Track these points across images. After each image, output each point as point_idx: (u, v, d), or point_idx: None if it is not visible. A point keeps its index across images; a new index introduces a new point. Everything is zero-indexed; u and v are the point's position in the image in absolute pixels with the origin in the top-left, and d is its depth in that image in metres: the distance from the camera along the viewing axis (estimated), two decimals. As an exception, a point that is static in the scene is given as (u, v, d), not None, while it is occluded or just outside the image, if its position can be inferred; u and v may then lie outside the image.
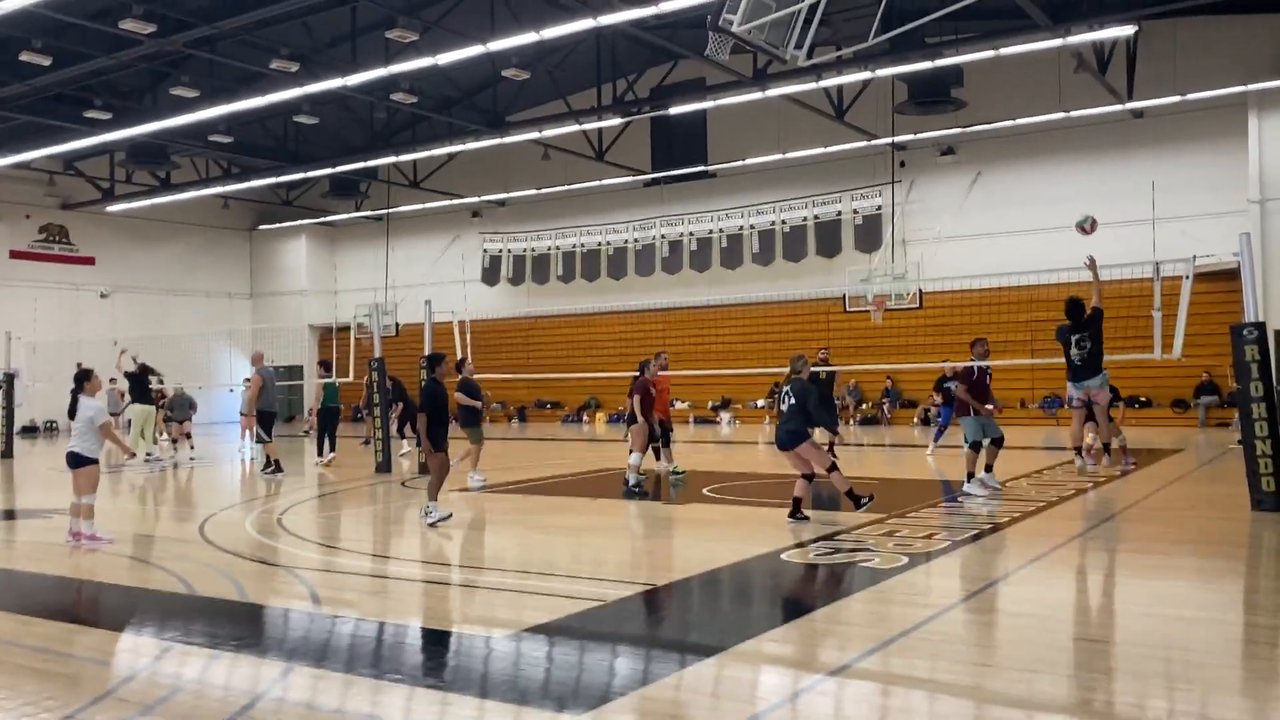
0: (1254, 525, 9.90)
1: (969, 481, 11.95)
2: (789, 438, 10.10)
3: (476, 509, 12.16)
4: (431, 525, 10.43)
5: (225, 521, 11.39)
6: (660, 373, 14.42)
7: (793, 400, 10.06)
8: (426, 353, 16.13)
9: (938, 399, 18.43)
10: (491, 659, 5.83)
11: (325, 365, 19.61)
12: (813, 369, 13.79)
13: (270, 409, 17.10)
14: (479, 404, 14.69)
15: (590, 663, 5.74)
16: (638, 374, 13.80)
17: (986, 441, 12.07)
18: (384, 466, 16.39)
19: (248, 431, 19.50)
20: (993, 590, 7.31)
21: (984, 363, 12.42)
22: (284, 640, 6.41)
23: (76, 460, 9.66)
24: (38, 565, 9.00)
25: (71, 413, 9.74)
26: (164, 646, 6.13)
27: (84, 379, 10.01)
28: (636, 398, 13.30)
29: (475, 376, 14.86)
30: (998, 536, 9.40)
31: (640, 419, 13.15)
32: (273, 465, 16.27)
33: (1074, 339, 12.72)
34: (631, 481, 12.79)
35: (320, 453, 18.44)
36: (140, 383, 18.39)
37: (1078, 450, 13.81)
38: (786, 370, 10.50)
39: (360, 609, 7.12)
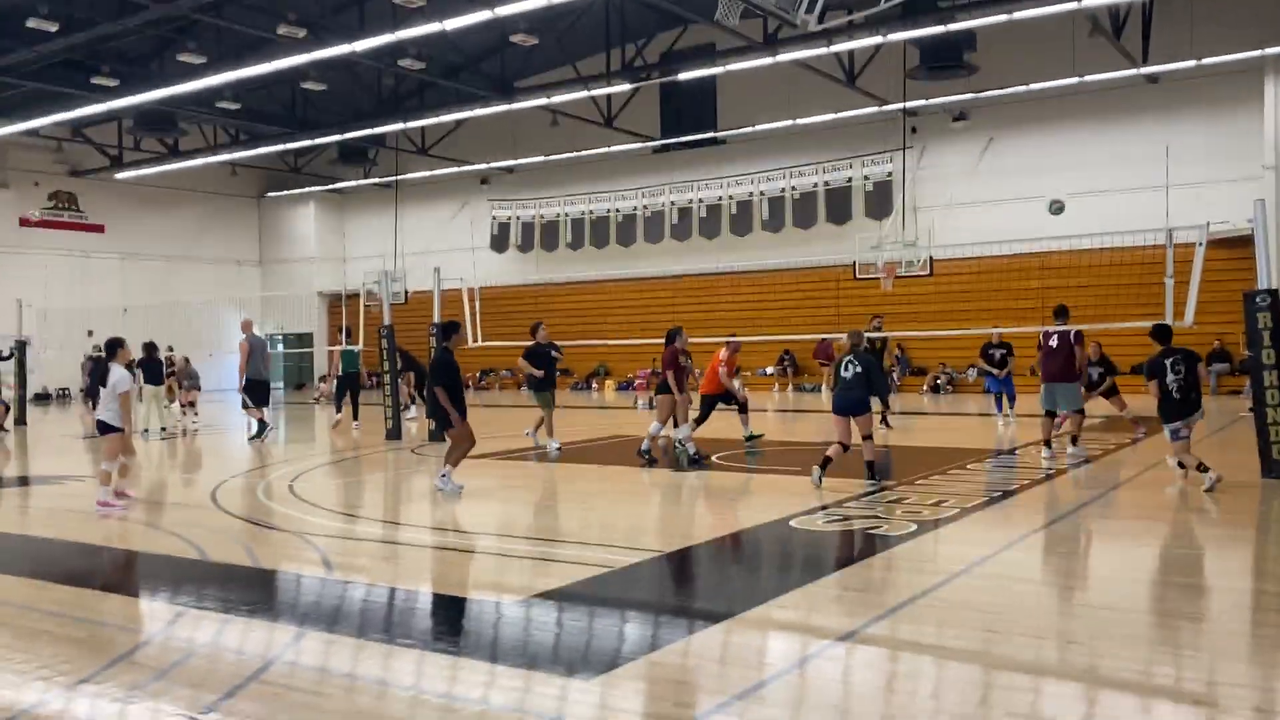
0: (1264, 492, 9.89)
1: (1047, 448, 12.39)
2: (853, 404, 10.33)
3: (487, 477, 12.20)
4: (441, 490, 10.37)
5: (236, 488, 11.47)
6: (728, 347, 14.45)
7: (858, 369, 10.26)
8: (437, 320, 16.20)
9: (985, 366, 18.43)
10: (502, 624, 5.87)
11: (347, 332, 19.64)
12: (868, 335, 13.84)
13: (259, 377, 17.05)
14: (539, 373, 14.31)
15: (600, 628, 5.78)
16: (667, 343, 13.14)
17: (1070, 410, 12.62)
18: (394, 433, 16.46)
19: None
20: (1001, 557, 7.32)
21: (1075, 328, 12.45)
22: (296, 605, 6.47)
23: (102, 428, 9.95)
24: (53, 531, 9.08)
25: (104, 380, 10.02)
26: (178, 611, 6.20)
27: (116, 346, 10.16)
28: (670, 371, 12.93)
29: (487, 344, 14.76)
30: (1007, 504, 9.41)
31: (675, 390, 12.75)
32: (259, 429, 16.45)
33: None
34: (644, 447, 12.75)
35: (339, 411, 18.75)
36: (150, 364, 18.27)
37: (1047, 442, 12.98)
38: (843, 340, 10.83)
39: (372, 574, 7.17)
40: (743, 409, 14.65)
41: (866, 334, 11.96)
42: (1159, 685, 4.72)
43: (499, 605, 6.22)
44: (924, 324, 25.21)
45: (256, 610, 6.16)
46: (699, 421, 13.87)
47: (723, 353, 14.35)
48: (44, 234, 33.05)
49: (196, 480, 13.31)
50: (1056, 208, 14.15)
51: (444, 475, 10.46)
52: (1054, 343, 12.32)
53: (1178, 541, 7.92)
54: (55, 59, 23.17)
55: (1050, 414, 12.56)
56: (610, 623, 5.92)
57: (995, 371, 17.93)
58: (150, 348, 17.95)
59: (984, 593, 6.39)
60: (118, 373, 9.88)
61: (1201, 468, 9.73)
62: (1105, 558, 7.69)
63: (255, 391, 16.86)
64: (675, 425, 12.63)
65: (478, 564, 7.68)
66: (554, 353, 14.96)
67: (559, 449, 13.93)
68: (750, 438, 14.58)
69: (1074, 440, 12.72)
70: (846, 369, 10.31)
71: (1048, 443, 12.45)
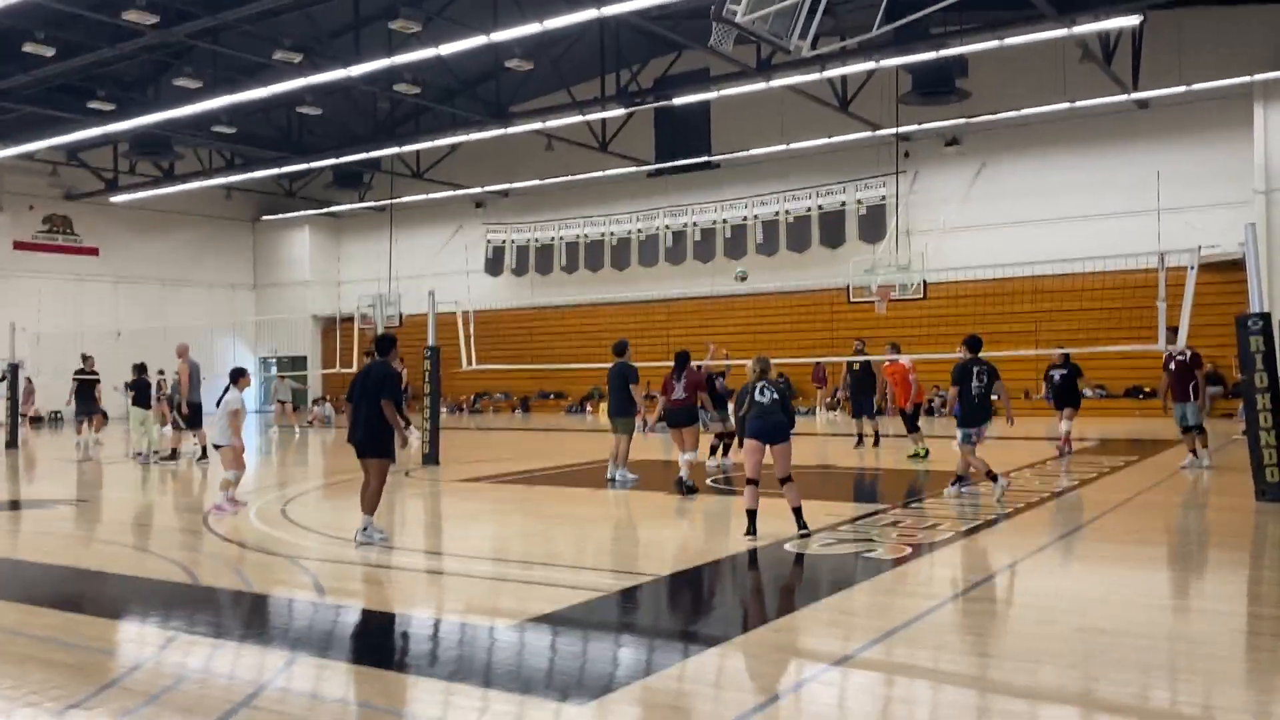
0: (1258, 516, 9.89)
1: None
2: (777, 428, 8.92)
3: (481, 500, 12.16)
4: (369, 543, 8.87)
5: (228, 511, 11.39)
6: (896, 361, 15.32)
7: (775, 395, 9.04)
8: (431, 343, 16.20)
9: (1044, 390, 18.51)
10: (495, 649, 5.83)
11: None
12: (848, 360, 13.89)
13: (197, 400, 17.34)
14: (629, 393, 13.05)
15: (594, 652, 5.75)
16: (677, 366, 12.73)
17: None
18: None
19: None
20: (996, 581, 7.31)
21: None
22: (288, 630, 6.42)
23: (217, 446, 11.50)
24: (43, 555, 9.02)
25: (218, 402, 11.62)
26: (169, 636, 6.15)
27: (239, 375, 11.56)
28: (703, 395, 12.53)
29: (481, 367, 14.64)
30: (1001, 527, 9.39)
31: (710, 407, 12.37)
32: (202, 452, 16.73)
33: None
34: (685, 475, 12.04)
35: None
36: (139, 386, 18.33)
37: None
38: (753, 367, 9.29)
39: (364, 599, 7.13)
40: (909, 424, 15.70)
41: (852, 359, 12.16)
42: (1155, 709, 4.71)
43: (492, 629, 6.19)
44: (918, 347, 25.24)
45: (248, 635, 6.12)
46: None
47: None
48: (38, 257, 33.05)
49: (188, 504, 13.23)
50: (741, 276, 14.88)
51: (366, 529, 8.97)
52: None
53: (1172, 565, 7.90)
54: (51, 83, 23.25)
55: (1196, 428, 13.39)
56: (604, 647, 5.88)
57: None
58: (140, 369, 17.95)
59: (979, 617, 6.37)
60: (230, 395, 11.31)
61: (991, 475, 10.52)
62: (1099, 581, 7.67)
63: (193, 414, 17.19)
64: (686, 449, 12.40)
65: (471, 588, 7.64)
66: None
67: (633, 480, 12.98)
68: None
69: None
70: (762, 394, 8.98)
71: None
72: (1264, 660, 5.47)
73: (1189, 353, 12.97)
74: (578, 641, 5.94)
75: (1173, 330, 12.84)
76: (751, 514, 8.73)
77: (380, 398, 8.83)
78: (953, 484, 11.38)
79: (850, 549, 8.36)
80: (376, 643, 6.08)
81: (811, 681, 5.09)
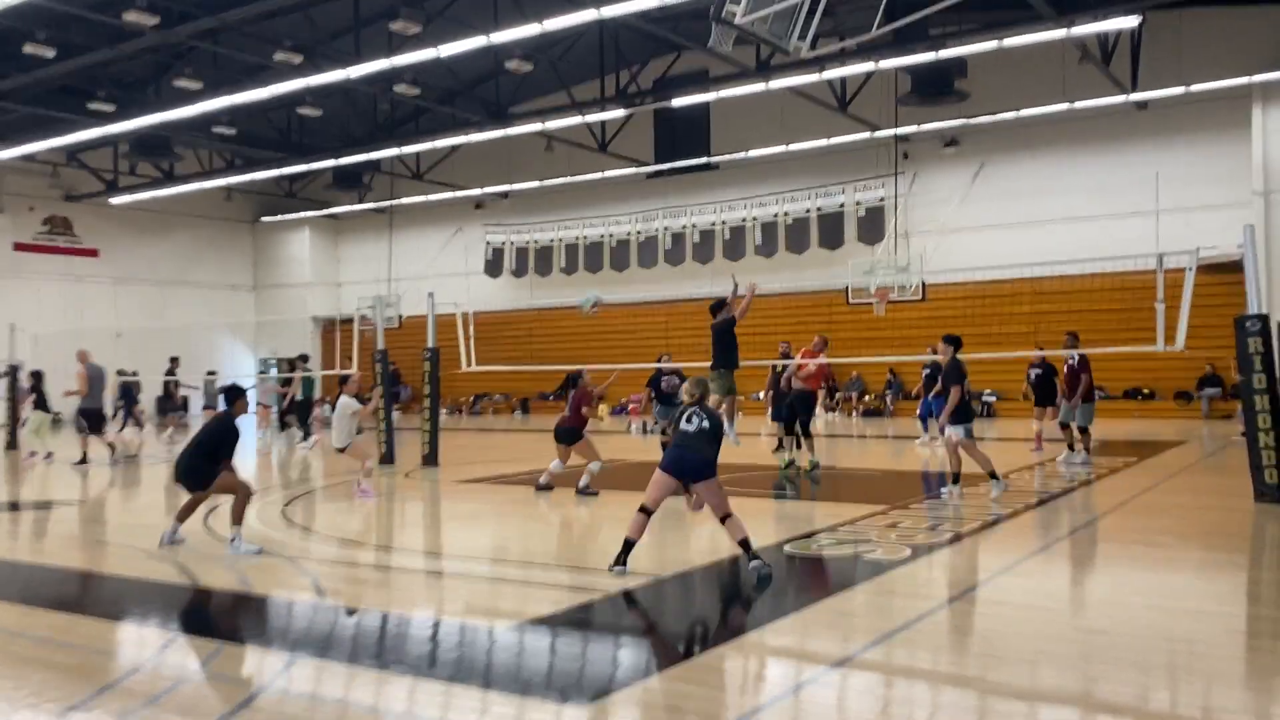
0: (1257, 517, 9.90)
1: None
2: (699, 465, 7.67)
3: (480, 501, 12.16)
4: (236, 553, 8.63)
5: (229, 512, 11.39)
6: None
7: (704, 423, 7.81)
8: (431, 344, 16.23)
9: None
10: (495, 650, 5.84)
11: (304, 359, 21.94)
12: (773, 363, 13.86)
13: (96, 405, 17.48)
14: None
15: (593, 654, 5.75)
16: (565, 385, 13.00)
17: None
18: (388, 457, 16.43)
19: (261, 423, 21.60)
20: (995, 582, 7.31)
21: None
22: (287, 631, 6.43)
23: (340, 449, 12.49)
24: (42, 556, 9.03)
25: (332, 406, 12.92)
26: (168, 638, 6.16)
27: (346, 380, 12.89)
28: (587, 409, 12.62)
29: (481, 368, 14.60)
30: (1001, 528, 9.40)
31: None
32: (82, 457, 16.86)
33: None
34: None
35: (306, 439, 19.97)
36: (38, 390, 18.71)
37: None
38: (685, 387, 8.32)
39: (364, 600, 7.14)
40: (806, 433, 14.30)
41: (773, 361, 12.32)
42: (1154, 711, 4.71)
43: (491, 631, 6.19)
44: (917, 349, 25.25)
45: (247, 636, 6.12)
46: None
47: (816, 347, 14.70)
48: (38, 258, 33.02)
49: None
50: (591, 305, 14.80)
51: (235, 540, 8.71)
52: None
53: (1171, 566, 7.91)
54: (52, 84, 23.25)
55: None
56: (604, 648, 5.89)
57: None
58: (36, 376, 18.61)
59: (979, 618, 6.38)
60: (344, 400, 12.43)
61: (992, 474, 11.17)
62: (1099, 581, 7.68)
63: (92, 419, 17.32)
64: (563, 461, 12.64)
65: (469, 589, 7.65)
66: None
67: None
68: (813, 465, 14.11)
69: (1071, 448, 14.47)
70: (690, 420, 7.81)
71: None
72: (1263, 661, 5.48)
73: (1077, 357, 14.15)
74: (577, 643, 5.94)
75: (1072, 335, 14.53)
76: (629, 544, 7.56)
77: (215, 457, 8.85)
78: (951, 483, 11.40)
79: (849, 550, 8.37)
80: (376, 644, 6.08)
81: (811, 683, 5.10)
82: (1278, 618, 6.42)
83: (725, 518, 7.60)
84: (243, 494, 8.92)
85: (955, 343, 11.64)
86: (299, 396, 21.05)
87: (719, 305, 12.96)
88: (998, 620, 6.30)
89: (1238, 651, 5.66)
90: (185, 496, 9.10)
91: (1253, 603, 6.90)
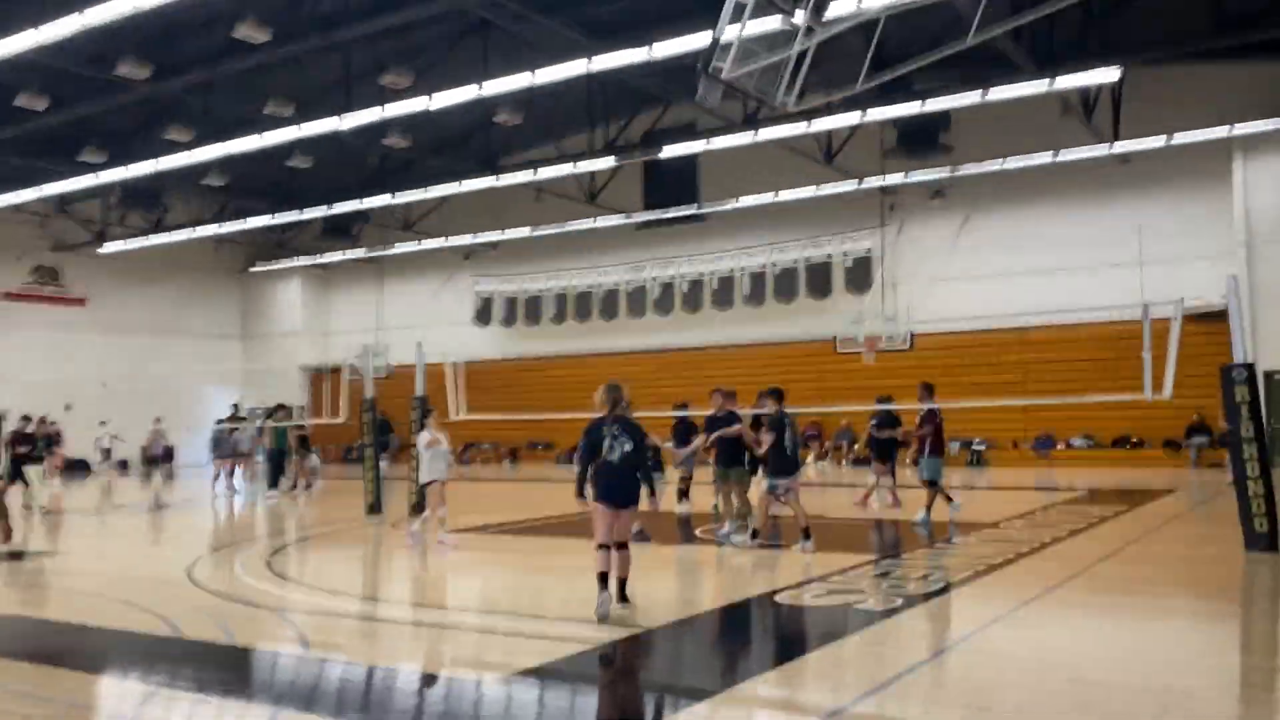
0: (1248, 566, 9.89)
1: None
2: (629, 494, 7.63)
3: (468, 551, 12.05)
4: None
5: (212, 563, 11.28)
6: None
7: (629, 447, 7.63)
8: (420, 393, 16.21)
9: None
10: (483, 703, 5.76)
11: (284, 408, 22.41)
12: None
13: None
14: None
15: (582, 706, 5.68)
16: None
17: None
18: (375, 507, 16.29)
19: (222, 473, 21.69)
20: (987, 632, 7.26)
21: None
22: (272, 684, 6.33)
23: (425, 484, 12.71)
24: (20, 608, 8.90)
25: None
26: (150, 691, 6.05)
27: (428, 412, 13.65)
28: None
29: (470, 417, 14.61)
30: (992, 578, 9.35)
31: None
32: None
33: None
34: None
35: (274, 486, 20.31)
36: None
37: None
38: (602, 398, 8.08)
39: (349, 652, 7.04)
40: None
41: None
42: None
43: (479, 683, 6.11)
44: (906, 398, 25.29)
45: (231, 689, 6.02)
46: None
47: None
48: (25, 307, 32.93)
49: (170, 556, 13.08)
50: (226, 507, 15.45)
51: None
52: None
53: (1163, 615, 7.87)
54: (42, 135, 23.34)
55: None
56: (593, 700, 5.81)
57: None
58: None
59: (971, 668, 6.32)
60: (423, 438, 12.78)
61: (805, 531, 10.77)
62: (1091, 632, 7.63)
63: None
64: (684, 498, 12.54)
65: (457, 640, 7.56)
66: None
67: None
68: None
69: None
70: (612, 449, 7.63)
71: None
72: (1259, 713, 5.44)
73: (924, 410, 14.21)
74: (566, 695, 5.87)
75: (926, 387, 14.60)
76: (603, 578, 7.56)
77: None
78: (750, 536, 11.42)
79: (841, 600, 8.31)
80: (361, 697, 5.99)
81: (803, 735, 5.03)
82: (1272, 668, 6.38)
83: (620, 546, 7.68)
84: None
85: (776, 395, 11.38)
86: (269, 446, 21.46)
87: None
88: (990, 671, 6.24)
89: (1232, 704, 5.62)
90: None
91: (1246, 653, 6.86)
